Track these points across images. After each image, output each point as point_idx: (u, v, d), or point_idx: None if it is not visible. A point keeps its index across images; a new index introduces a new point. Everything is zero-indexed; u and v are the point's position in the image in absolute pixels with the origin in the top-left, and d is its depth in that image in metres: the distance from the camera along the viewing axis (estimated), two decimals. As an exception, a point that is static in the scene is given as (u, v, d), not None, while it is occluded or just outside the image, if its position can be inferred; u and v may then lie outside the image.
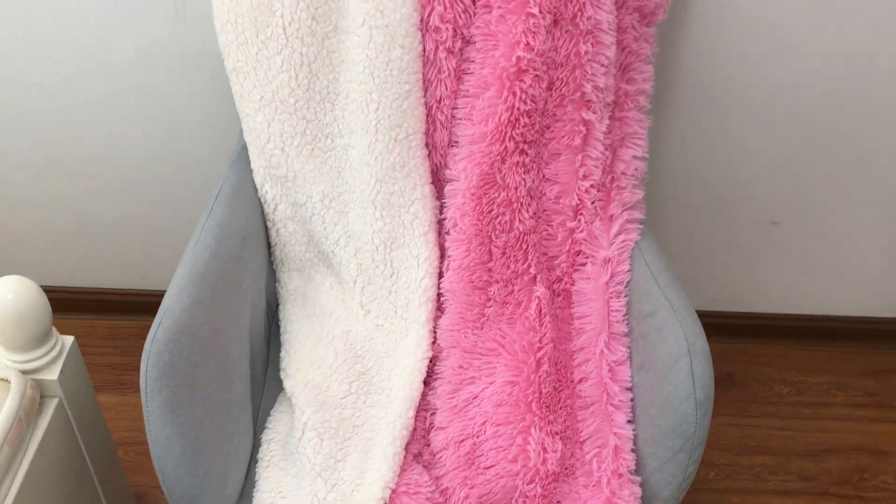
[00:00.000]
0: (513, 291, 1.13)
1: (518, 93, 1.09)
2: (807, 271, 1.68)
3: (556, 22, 1.11)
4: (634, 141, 1.18)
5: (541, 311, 1.11)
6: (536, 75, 1.10)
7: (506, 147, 1.11)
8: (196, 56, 1.42)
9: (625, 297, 1.09)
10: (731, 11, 1.31)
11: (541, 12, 1.08)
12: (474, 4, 1.12)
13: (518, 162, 1.12)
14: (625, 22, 1.17)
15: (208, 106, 1.48)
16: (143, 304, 1.74)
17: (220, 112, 1.48)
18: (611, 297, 1.09)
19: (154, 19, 1.38)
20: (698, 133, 1.47)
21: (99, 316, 1.79)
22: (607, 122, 1.14)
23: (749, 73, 1.39)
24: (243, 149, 1.23)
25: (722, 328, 1.73)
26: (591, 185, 1.14)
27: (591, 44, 1.12)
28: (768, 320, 1.75)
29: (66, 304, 1.76)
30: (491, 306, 1.12)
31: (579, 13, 1.10)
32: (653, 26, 1.20)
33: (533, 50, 1.09)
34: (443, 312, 1.15)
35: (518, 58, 1.09)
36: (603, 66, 1.12)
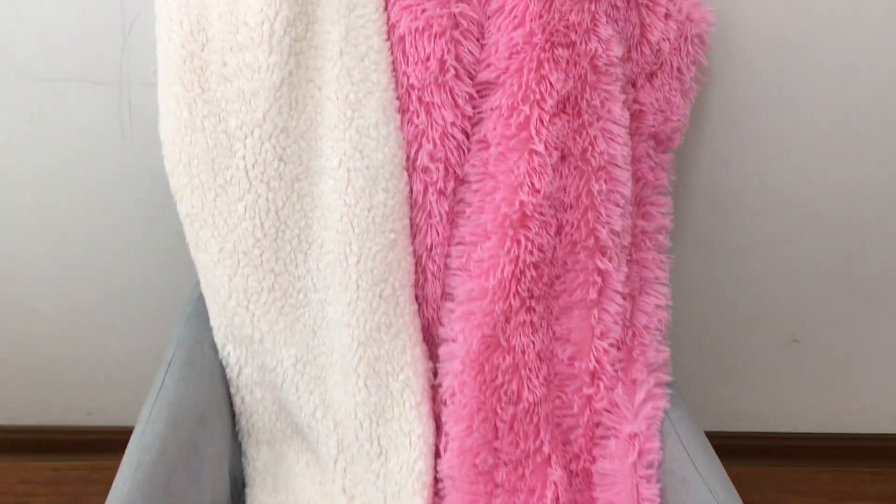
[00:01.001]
0: (524, 475, 0.95)
1: (523, 242, 0.93)
2: (830, 389, 1.53)
3: (563, 158, 0.95)
4: (656, 287, 1.02)
5: (558, 499, 0.94)
6: (544, 221, 0.94)
7: (510, 304, 0.94)
8: (145, 179, 1.25)
9: (657, 482, 0.92)
10: (744, 128, 1.17)
11: (546, 149, 0.92)
12: (468, 140, 0.96)
13: (525, 321, 0.95)
14: (639, 151, 1.01)
15: (160, 231, 1.31)
16: (91, 443, 1.54)
17: (171, 237, 1.30)
18: (640, 483, 0.92)
19: (100, 141, 1.22)
20: (713, 249, 1.32)
21: (41, 457, 1.58)
22: (625, 269, 0.98)
23: (764, 189, 1.25)
24: (200, 299, 1.05)
25: (742, 450, 1.57)
26: (610, 345, 0.97)
27: (605, 181, 0.96)
28: (791, 440, 1.59)
29: (3, 444, 1.56)
30: (499, 495, 0.95)
31: (590, 148, 0.95)
32: (669, 152, 1.05)
33: (539, 193, 0.93)
34: (441, 500, 0.97)
35: (522, 202, 0.93)
36: (619, 206, 0.97)
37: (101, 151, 1.23)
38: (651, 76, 1.02)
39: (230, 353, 1.02)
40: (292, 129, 0.94)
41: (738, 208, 1.27)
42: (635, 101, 1.01)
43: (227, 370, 1.03)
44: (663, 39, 1.00)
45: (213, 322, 1.01)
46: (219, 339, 1.02)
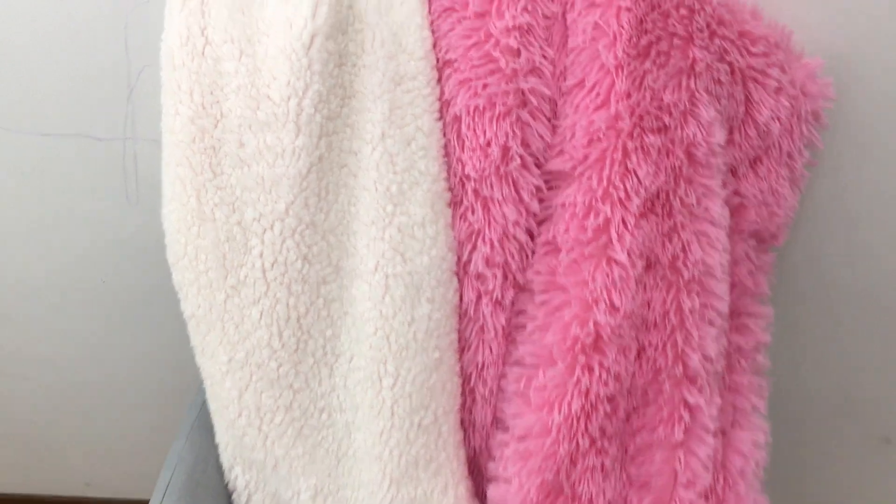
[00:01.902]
0: None
1: (597, 371, 0.76)
2: (925, 495, 1.34)
3: (649, 267, 0.78)
4: (752, 419, 0.84)
5: None
6: (623, 345, 0.76)
7: (577, 444, 0.77)
8: (151, 244, 1.09)
9: None
10: (856, 221, 0.98)
11: (630, 258, 0.75)
12: (532, 241, 0.79)
13: (594, 465, 0.78)
14: (737, 252, 0.84)
15: (164, 301, 1.14)
16: (91, 518, 1.40)
17: (178, 308, 1.15)
18: None
19: (103, 201, 1.07)
20: (801, 342, 1.14)
21: (37, 531, 1.44)
22: (718, 401, 0.81)
23: (861, 284, 1.07)
24: (205, 406, 0.89)
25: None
26: (698, 495, 0.80)
27: (698, 295, 0.78)
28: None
29: (-3, 515, 1.42)
30: None
31: (682, 255, 0.77)
32: (772, 251, 0.87)
33: (618, 312, 0.75)
34: None
35: (597, 323, 0.75)
36: (713, 325, 0.79)
37: (104, 212, 1.08)
38: (755, 162, 0.84)
39: (238, 477, 0.85)
40: (320, 224, 0.78)
41: (832, 304, 1.09)
42: (735, 193, 0.83)
43: (235, 496, 0.87)
44: (773, 119, 0.82)
45: (220, 439, 0.85)
46: (225, 460, 0.86)
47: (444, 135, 0.77)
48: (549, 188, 0.79)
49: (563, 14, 0.77)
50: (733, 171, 0.83)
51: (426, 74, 0.75)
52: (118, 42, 0.95)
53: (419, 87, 0.75)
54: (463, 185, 0.77)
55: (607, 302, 0.75)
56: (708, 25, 0.78)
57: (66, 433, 1.35)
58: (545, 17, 0.76)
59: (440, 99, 0.76)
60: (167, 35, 0.76)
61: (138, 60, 0.95)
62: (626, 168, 0.75)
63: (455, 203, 0.78)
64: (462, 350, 0.81)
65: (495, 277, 0.78)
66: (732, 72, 0.80)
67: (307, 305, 0.80)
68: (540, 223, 0.79)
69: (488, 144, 0.75)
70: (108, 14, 0.93)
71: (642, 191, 0.75)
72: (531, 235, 0.79)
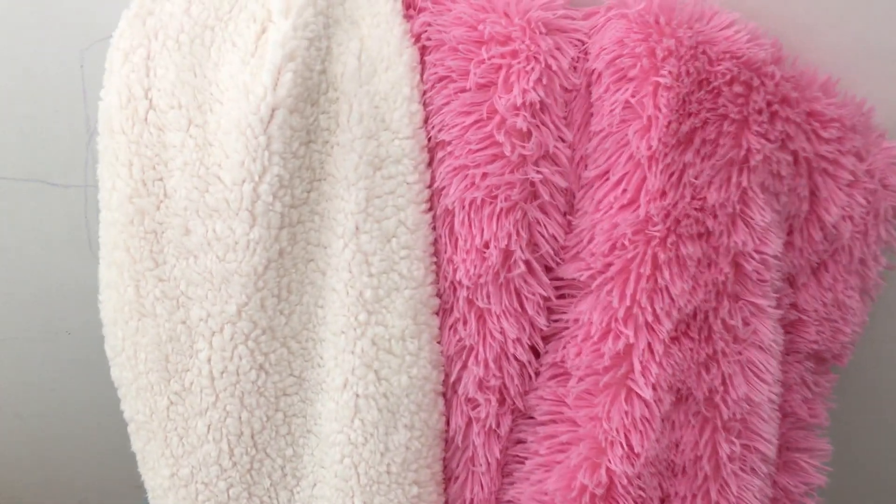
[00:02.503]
0: None
1: (608, 527, 0.61)
2: None
3: (679, 400, 0.63)
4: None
5: None
6: (642, 497, 0.62)
7: None
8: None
9: None
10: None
11: (656, 393, 0.60)
12: (536, 359, 0.65)
13: None
14: (790, 376, 0.69)
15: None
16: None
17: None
18: None
19: (64, 250, 0.96)
20: (860, 484, 0.98)
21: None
22: (758, 564, 0.66)
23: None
24: None
25: None
26: None
27: (739, 436, 0.64)
28: None
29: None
30: None
31: (722, 390, 0.63)
32: (832, 373, 0.72)
33: (638, 458, 0.61)
34: None
35: (611, 472, 0.61)
36: (758, 475, 0.64)
37: (65, 262, 0.97)
38: (819, 269, 0.69)
39: None
40: (279, 329, 0.64)
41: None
42: (792, 306, 0.68)
43: None
44: (843, 218, 0.67)
45: (164, 560, 0.72)
46: (170, 584, 0.73)
47: (434, 231, 0.62)
48: (560, 296, 0.64)
49: (587, 87, 0.62)
50: (791, 281, 0.68)
51: (413, 158, 0.61)
52: (74, 82, 0.82)
53: (404, 173, 0.61)
54: (454, 291, 0.63)
55: (625, 445, 0.61)
56: (769, 105, 0.62)
57: (27, 488, 1.25)
58: (564, 90, 0.62)
59: (429, 188, 0.62)
60: (105, 94, 0.64)
61: (96, 102, 0.82)
62: (656, 284, 0.60)
63: (444, 312, 0.64)
64: (448, 482, 0.67)
65: (489, 403, 0.64)
66: (796, 161, 0.65)
67: (263, 421, 0.66)
68: (547, 339, 0.65)
69: (486, 246, 0.61)
70: (62, 51, 0.80)
71: (675, 312, 0.61)
72: (535, 353, 0.65)
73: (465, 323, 0.63)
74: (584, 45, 0.63)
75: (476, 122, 0.60)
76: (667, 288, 0.60)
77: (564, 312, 0.64)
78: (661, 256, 0.60)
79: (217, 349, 0.64)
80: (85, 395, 1.11)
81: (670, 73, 0.59)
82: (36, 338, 1.06)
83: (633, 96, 0.60)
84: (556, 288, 0.64)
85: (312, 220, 0.62)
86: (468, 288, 0.62)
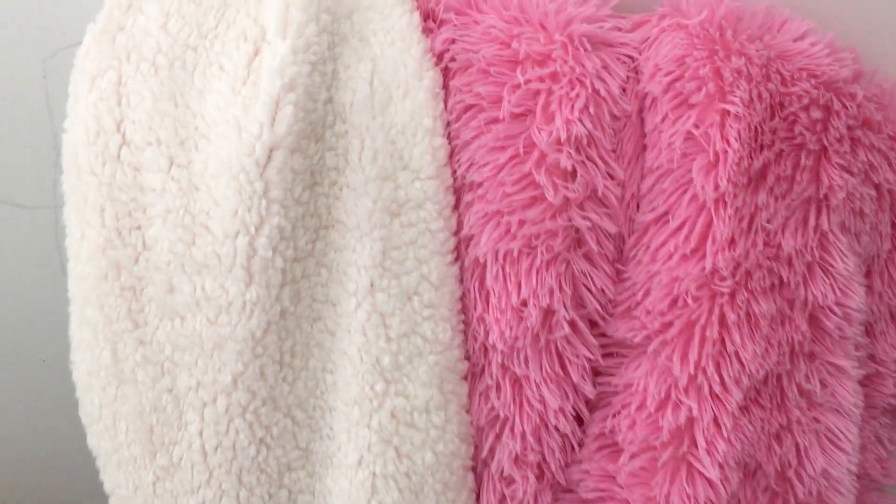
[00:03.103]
0: None
1: None
2: None
3: (747, 476, 0.54)
4: None
5: None
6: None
7: None
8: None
9: None
10: None
11: (722, 471, 0.52)
12: (581, 428, 0.56)
13: None
14: (863, 436, 0.60)
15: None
16: None
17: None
18: None
19: (35, 273, 0.88)
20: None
21: None
22: None
23: None
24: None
25: None
26: None
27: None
28: None
29: None
30: None
31: (796, 463, 0.55)
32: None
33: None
34: None
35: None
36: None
37: (38, 285, 0.89)
38: (898, 314, 0.60)
39: None
40: (282, 399, 0.55)
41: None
42: (870, 358, 0.59)
43: None
44: (928, 257, 0.58)
45: None
46: None
47: (461, 286, 0.53)
48: (607, 354, 0.56)
49: (639, 113, 0.53)
50: (868, 329, 0.59)
51: (437, 202, 0.52)
52: (38, 95, 0.72)
53: (426, 220, 0.52)
54: (485, 354, 0.54)
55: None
56: (850, 130, 0.53)
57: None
58: (613, 117, 0.52)
59: (456, 236, 0.53)
60: (71, 125, 0.54)
61: (62, 116, 0.72)
62: (724, 347, 0.51)
63: (473, 377, 0.55)
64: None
65: (526, 480, 0.55)
66: (879, 195, 0.56)
67: (265, 499, 0.57)
68: (593, 405, 0.56)
69: (524, 304, 0.52)
70: (24, 62, 0.70)
71: (745, 379, 0.52)
72: (579, 420, 0.56)
73: (498, 390, 0.54)
74: (634, 61, 0.53)
75: (511, 159, 0.51)
76: (736, 352, 0.51)
77: (613, 375, 0.55)
78: (731, 316, 0.51)
79: (210, 422, 0.55)
80: (61, 423, 1.03)
81: (741, 99, 0.50)
82: (9, 365, 0.97)
83: (696, 127, 0.51)
84: (603, 346, 0.55)
85: (319, 274, 0.53)
86: (502, 352, 0.53)
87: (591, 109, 0.51)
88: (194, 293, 0.52)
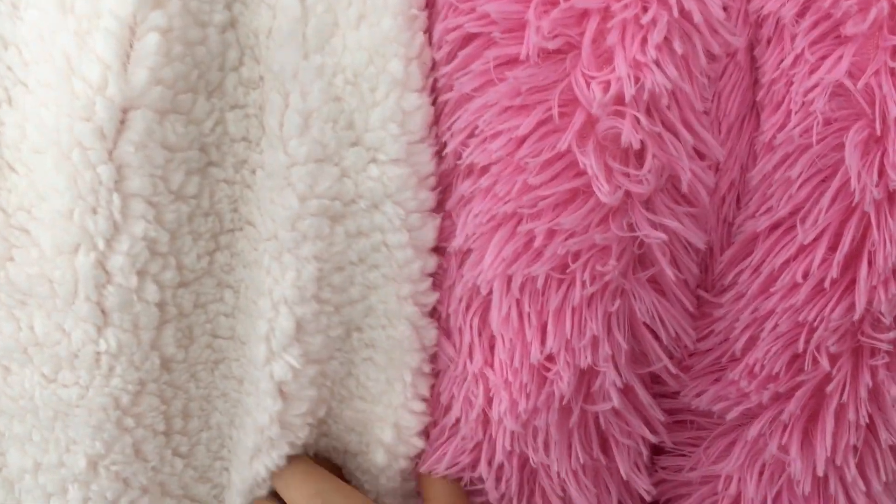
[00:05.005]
0: None
1: None
2: None
3: None
4: None
5: None
6: None
7: None
8: None
9: None
10: None
11: None
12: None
13: None
14: None
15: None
16: None
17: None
18: None
19: None
20: None
21: None
22: None
23: None
24: None
25: None
26: None
27: None
28: None
29: None
30: None
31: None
32: None
33: None
34: None
35: None
36: None
37: None
38: None
39: None
40: (174, 481, 0.37)
41: None
42: None
43: None
44: None
45: None
46: None
47: (445, 326, 0.33)
48: (676, 423, 0.36)
49: (750, 51, 0.32)
50: None
51: (404, 199, 0.31)
52: None
53: (383, 229, 0.32)
54: (484, 428, 0.35)
55: None
56: None
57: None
58: (710, 58, 0.31)
59: (436, 253, 0.32)
60: None
61: None
62: (875, 436, 0.32)
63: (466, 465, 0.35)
64: None
65: None
66: None
67: None
68: (649, 504, 0.37)
69: (551, 361, 0.32)
70: None
71: (902, 481, 0.32)
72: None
73: (498, 482, 0.35)
74: (741, -34, 0.32)
75: (538, 127, 0.30)
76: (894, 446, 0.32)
77: (684, 455, 0.36)
78: (891, 389, 0.31)
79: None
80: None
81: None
82: None
83: (851, 76, 0.30)
84: (669, 411, 0.36)
85: (222, 299, 0.33)
86: (512, 433, 0.33)
87: (677, 45, 0.29)
88: (18, 335, 0.32)
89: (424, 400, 0.34)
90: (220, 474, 0.38)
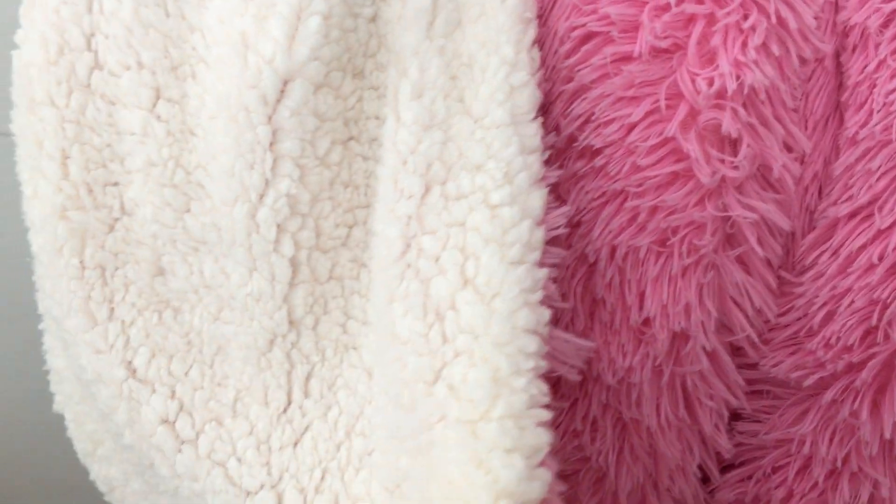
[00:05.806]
0: None
1: None
2: None
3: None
4: None
5: None
6: None
7: None
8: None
9: None
10: None
11: None
12: (709, 492, 0.41)
13: None
14: None
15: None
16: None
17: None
18: None
19: None
20: None
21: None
22: None
23: None
24: None
25: None
26: None
27: None
28: None
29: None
30: None
31: None
32: None
33: None
34: None
35: None
36: None
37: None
38: None
39: None
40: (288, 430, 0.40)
41: None
42: None
43: None
44: None
45: None
46: None
47: (556, 289, 0.37)
48: (754, 392, 0.40)
49: (837, 56, 0.36)
50: None
51: (505, 162, 0.35)
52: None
53: (484, 188, 0.35)
54: (582, 385, 0.39)
55: None
56: None
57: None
58: (802, 61, 0.35)
59: (539, 223, 0.36)
60: (23, 40, 0.38)
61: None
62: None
63: (562, 412, 0.40)
64: None
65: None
66: None
67: None
68: (726, 465, 0.41)
69: (647, 324, 0.36)
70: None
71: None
72: (704, 482, 0.41)
73: (594, 434, 0.39)
74: (831, -20, 0.36)
75: (647, 115, 0.35)
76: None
77: (759, 422, 0.40)
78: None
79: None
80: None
81: None
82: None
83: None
84: (749, 381, 0.40)
85: (357, 278, 0.37)
86: (609, 387, 0.38)
87: (774, 48, 0.34)
88: (190, 278, 0.38)
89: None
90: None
